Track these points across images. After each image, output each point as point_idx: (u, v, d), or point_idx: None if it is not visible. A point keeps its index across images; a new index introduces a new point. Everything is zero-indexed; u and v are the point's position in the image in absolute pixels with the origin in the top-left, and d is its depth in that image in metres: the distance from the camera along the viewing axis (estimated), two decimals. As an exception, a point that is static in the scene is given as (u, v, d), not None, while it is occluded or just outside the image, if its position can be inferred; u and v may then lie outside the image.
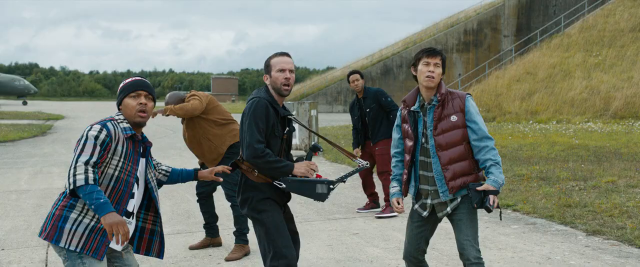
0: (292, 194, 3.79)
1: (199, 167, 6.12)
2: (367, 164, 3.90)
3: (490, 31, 45.21)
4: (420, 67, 3.70)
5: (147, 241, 3.35)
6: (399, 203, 3.90)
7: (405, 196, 3.87)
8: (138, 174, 3.19)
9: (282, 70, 3.68)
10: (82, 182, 2.87)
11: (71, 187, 2.88)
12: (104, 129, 3.02)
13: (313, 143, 3.81)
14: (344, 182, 3.73)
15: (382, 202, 7.84)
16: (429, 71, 3.65)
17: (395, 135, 3.94)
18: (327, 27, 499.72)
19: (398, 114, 3.93)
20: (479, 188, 3.64)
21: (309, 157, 3.80)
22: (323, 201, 3.66)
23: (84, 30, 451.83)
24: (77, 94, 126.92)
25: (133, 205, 3.20)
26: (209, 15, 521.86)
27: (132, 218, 3.23)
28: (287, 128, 3.77)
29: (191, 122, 5.78)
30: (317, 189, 3.63)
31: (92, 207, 2.86)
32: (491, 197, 3.62)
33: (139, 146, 3.21)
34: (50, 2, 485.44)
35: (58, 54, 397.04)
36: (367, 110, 7.42)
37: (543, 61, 30.54)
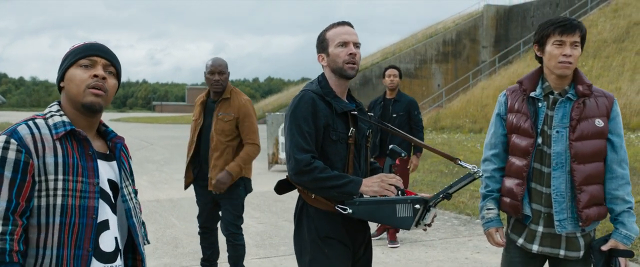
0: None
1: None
2: (482, 172, 2.61)
3: (469, 42, 45.01)
4: (549, 48, 2.68)
5: None
6: (497, 232, 2.87)
7: (518, 215, 2.78)
8: (102, 187, 1.98)
9: (345, 44, 2.71)
10: None
11: None
12: (13, 141, 1.83)
13: (391, 146, 2.73)
14: (448, 198, 2.57)
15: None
16: (564, 55, 2.62)
17: (494, 129, 2.87)
18: (306, 37, 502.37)
19: (501, 99, 2.87)
20: (604, 247, 2.66)
21: (387, 168, 2.73)
22: (408, 228, 2.51)
23: (61, 40, 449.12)
24: (48, 105, 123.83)
25: (113, 238, 2.00)
26: (189, 25, 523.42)
27: (118, 260, 2.03)
28: (352, 128, 2.69)
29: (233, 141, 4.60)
30: (397, 212, 2.49)
31: None
32: (622, 261, 2.64)
33: (89, 146, 1.97)
34: (30, 12, 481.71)
35: (30, 64, 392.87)
36: (394, 115, 6.39)
37: (528, 71, 30.10)
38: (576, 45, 2.65)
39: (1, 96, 66.43)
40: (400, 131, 3.03)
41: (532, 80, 2.79)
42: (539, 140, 2.70)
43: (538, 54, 2.77)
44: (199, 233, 4.92)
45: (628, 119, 22.64)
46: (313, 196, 2.64)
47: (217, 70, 4.54)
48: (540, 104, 2.73)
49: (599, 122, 2.68)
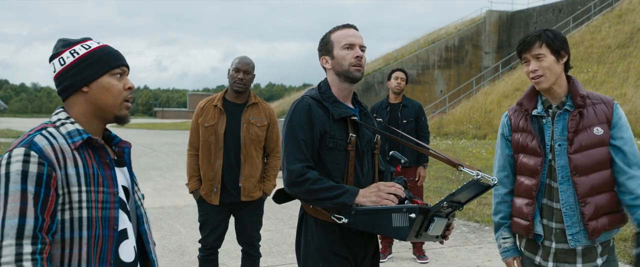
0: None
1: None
2: (495, 179, 2.39)
3: (471, 48, 44.97)
4: (524, 68, 2.68)
5: None
6: (515, 261, 2.79)
7: (530, 235, 2.69)
8: (121, 196, 1.93)
9: (351, 46, 2.60)
10: None
11: None
12: (33, 154, 1.72)
13: (392, 153, 2.63)
14: (459, 208, 2.46)
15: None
16: (531, 71, 2.61)
17: (501, 150, 2.82)
18: (311, 44, 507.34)
19: (503, 120, 2.82)
20: (636, 250, 2.56)
21: (386, 176, 2.63)
22: (405, 239, 2.36)
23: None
24: (49, 111, 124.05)
25: (131, 247, 1.94)
26: (199, 32, 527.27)
27: None
28: (352, 135, 2.56)
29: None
30: (393, 221, 2.35)
31: None
32: None
33: (105, 152, 1.92)
34: (42, 20, 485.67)
35: (34, 71, 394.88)
36: (404, 121, 5.94)
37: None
38: (539, 58, 2.60)
39: (2, 102, 66.44)
40: (410, 138, 2.94)
41: (531, 99, 2.75)
42: (550, 156, 2.65)
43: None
44: (202, 256, 4.44)
45: (633, 126, 22.55)
46: (311, 205, 2.54)
47: (243, 69, 4.28)
48: (544, 120, 2.69)
49: (598, 130, 2.60)
